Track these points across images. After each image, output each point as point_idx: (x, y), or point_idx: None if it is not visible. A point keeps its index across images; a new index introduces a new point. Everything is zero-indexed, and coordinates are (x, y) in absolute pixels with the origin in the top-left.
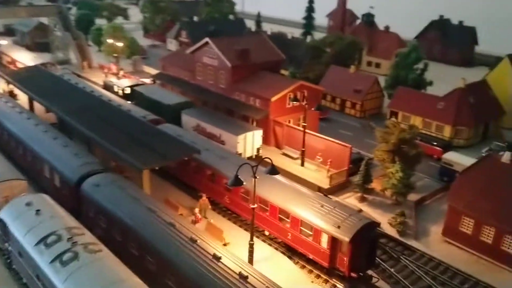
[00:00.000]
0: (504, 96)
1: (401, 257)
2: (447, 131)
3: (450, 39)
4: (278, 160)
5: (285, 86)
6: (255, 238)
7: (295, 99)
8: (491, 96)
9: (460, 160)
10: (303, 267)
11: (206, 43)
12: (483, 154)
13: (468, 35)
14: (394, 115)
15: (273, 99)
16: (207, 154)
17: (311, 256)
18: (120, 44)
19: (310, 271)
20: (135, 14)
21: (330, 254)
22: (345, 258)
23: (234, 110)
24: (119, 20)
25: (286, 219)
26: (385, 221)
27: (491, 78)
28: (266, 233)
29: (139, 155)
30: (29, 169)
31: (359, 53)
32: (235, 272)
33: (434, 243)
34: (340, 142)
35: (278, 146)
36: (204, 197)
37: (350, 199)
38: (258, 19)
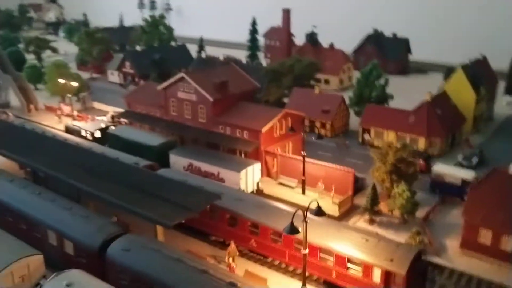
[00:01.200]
0: (462, 105)
1: (436, 277)
2: (421, 143)
3: (386, 51)
4: (277, 190)
5: (272, 115)
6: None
7: (292, 129)
8: (453, 106)
9: (450, 171)
10: None
11: (182, 78)
12: (460, 161)
13: (402, 45)
14: (367, 132)
15: (264, 129)
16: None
17: None
18: (75, 84)
19: None
20: (60, 46)
21: None
22: None
23: (219, 145)
24: (46, 53)
25: (329, 258)
26: (402, 241)
27: (448, 89)
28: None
29: (158, 209)
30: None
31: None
32: None
33: (455, 257)
34: (341, 167)
35: (270, 176)
36: (233, 244)
37: (360, 223)
38: (201, 43)
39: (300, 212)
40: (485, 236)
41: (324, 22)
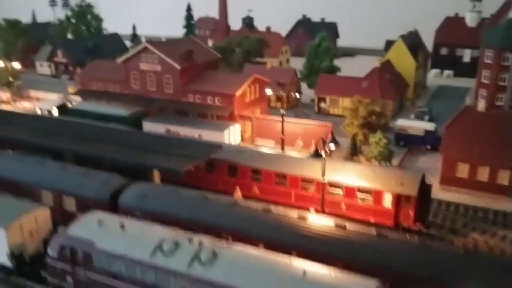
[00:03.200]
0: (404, 72)
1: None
2: (377, 106)
3: (315, 35)
4: None
5: (242, 80)
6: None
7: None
8: (397, 73)
9: (411, 124)
10: None
11: (145, 48)
12: (412, 120)
13: (331, 30)
14: (323, 100)
15: (238, 93)
16: None
17: (372, 220)
18: (17, 66)
19: None
20: None
21: (395, 212)
22: (411, 212)
23: (190, 113)
24: None
25: (338, 191)
26: None
27: (390, 58)
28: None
29: (167, 160)
30: None
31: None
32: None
33: (437, 192)
34: (318, 122)
35: (243, 141)
36: (239, 191)
37: None
38: (134, 37)
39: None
40: (463, 170)
41: (256, 8)
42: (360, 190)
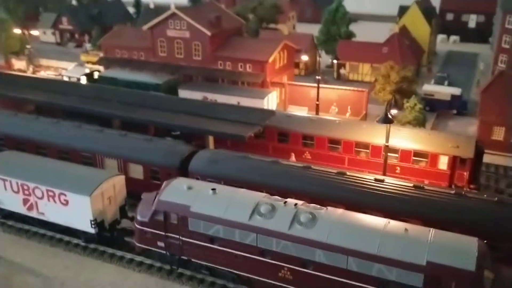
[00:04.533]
0: (419, 38)
1: None
2: None
3: (318, 1)
4: None
5: (273, 47)
6: None
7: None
8: (413, 39)
9: (437, 89)
10: None
11: (172, 14)
12: (432, 83)
13: None
14: (342, 66)
15: (270, 60)
16: None
17: (426, 181)
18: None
19: None
20: None
21: (450, 174)
22: (465, 173)
23: (224, 80)
24: None
25: (394, 155)
26: None
27: (405, 23)
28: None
29: (226, 127)
30: None
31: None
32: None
33: None
34: (353, 88)
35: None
36: (293, 157)
37: None
38: (137, 3)
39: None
40: (498, 133)
41: None
42: (416, 154)
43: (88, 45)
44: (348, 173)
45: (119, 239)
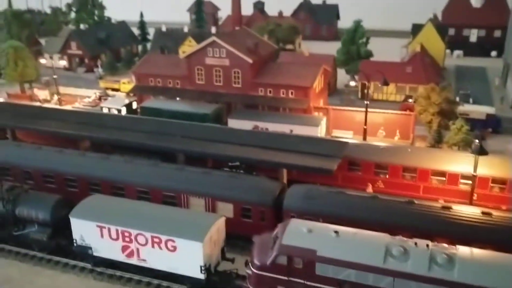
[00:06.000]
0: (435, 55)
1: None
2: (421, 91)
3: (318, 18)
4: None
5: (315, 72)
6: None
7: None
8: (431, 56)
9: (473, 108)
10: None
11: (212, 42)
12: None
13: (332, 12)
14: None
15: (314, 85)
16: None
17: (504, 207)
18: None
19: None
20: None
21: None
22: None
23: (267, 107)
24: None
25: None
26: None
27: (421, 41)
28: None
29: (308, 160)
30: None
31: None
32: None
33: None
34: (399, 111)
35: None
36: (370, 188)
37: None
38: (142, 25)
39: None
40: None
41: None
42: (494, 180)
43: (100, 70)
44: (453, 207)
45: (228, 283)
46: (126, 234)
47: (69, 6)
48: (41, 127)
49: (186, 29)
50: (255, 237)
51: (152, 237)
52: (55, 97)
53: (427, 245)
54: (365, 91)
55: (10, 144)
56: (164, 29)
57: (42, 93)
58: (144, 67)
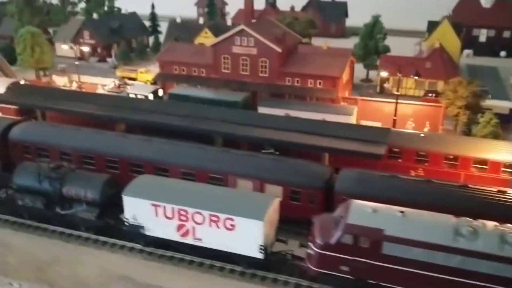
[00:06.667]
0: (451, 52)
1: None
2: (440, 86)
3: (327, 15)
4: None
5: (343, 62)
6: None
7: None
8: (448, 53)
9: (496, 103)
10: None
11: (241, 31)
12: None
13: (341, 10)
14: (387, 80)
15: (343, 75)
16: None
17: None
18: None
19: None
20: None
21: None
22: None
23: (293, 96)
24: None
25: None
26: None
27: (437, 39)
28: None
29: (354, 146)
30: None
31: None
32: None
33: None
34: (428, 103)
35: None
36: (413, 173)
37: None
38: (153, 17)
39: None
40: None
41: None
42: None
43: (114, 60)
44: (509, 191)
45: (284, 263)
46: (183, 212)
47: None
48: (76, 108)
49: (201, 21)
50: (315, 217)
51: (210, 215)
52: (74, 84)
53: (495, 225)
54: (384, 85)
55: (46, 125)
56: (179, 20)
57: (61, 80)
58: (169, 55)
